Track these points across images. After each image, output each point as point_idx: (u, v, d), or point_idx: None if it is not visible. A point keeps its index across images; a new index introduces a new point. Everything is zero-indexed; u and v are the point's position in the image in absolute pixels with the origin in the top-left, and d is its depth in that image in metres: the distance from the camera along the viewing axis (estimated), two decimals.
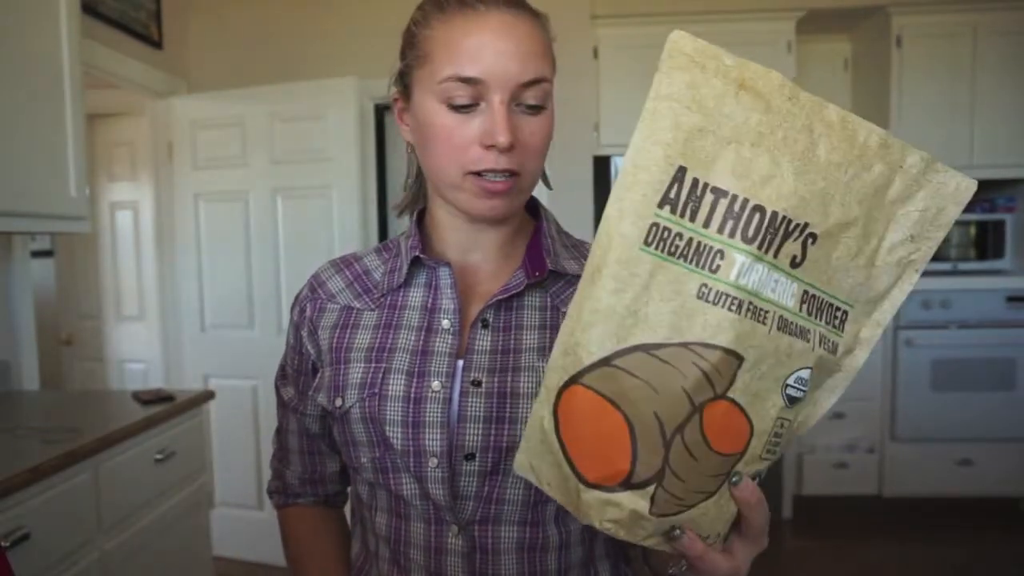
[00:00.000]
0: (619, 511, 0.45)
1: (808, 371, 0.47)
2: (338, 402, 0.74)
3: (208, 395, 2.17)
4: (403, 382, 0.71)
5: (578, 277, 0.74)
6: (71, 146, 1.93)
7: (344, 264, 0.82)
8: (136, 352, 3.36)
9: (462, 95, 0.66)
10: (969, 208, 3.54)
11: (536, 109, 0.68)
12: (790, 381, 0.46)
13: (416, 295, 0.76)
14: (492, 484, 0.69)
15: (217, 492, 3.03)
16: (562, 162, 3.15)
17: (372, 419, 0.71)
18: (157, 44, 2.92)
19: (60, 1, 1.90)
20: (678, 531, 0.48)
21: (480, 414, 0.69)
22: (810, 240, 0.45)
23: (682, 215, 0.44)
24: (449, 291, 0.74)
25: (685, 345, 0.43)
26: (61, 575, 1.48)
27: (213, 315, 3.02)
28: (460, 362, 0.71)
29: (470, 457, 0.69)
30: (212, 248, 3.00)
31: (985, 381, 3.30)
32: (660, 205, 0.44)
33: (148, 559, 1.82)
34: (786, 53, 3.24)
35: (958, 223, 3.41)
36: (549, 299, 0.74)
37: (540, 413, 0.49)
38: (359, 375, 0.73)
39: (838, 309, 0.48)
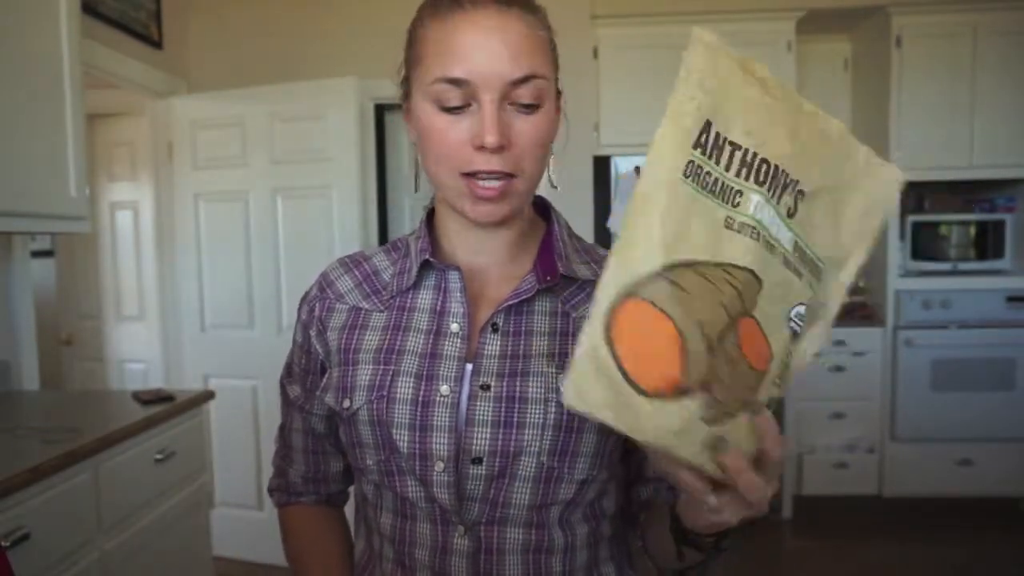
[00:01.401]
0: (674, 419, 0.49)
1: (804, 308, 0.53)
2: (346, 403, 0.74)
3: (208, 395, 2.17)
4: (411, 385, 0.70)
5: (590, 282, 0.73)
6: (71, 146, 1.93)
7: (353, 264, 0.81)
8: (136, 352, 3.36)
9: (452, 97, 0.65)
10: (969, 208, 3.55)
11: (531, 108, 0.66)
12: (792, 315, 0.53)
13: (425, 297, 0.75)
14: (498, 487, 0.69)
15: (217, 492, 3.02)
16: (562, 162, 3.14)
17: (379, 422, 0.71)
18: (157, 44, 2.92)
19: (60, 1, 1.90)
20: (724, 441, 0.50)
21: (488, 418, 0.68)
22: (799, 196, 0.53)
23: (709, 158, 0.52)
24: (458, 295, 0.73)
25: (720, 265, 0.50)
26: (61, 575, 1.48)
27: (213, 315, 3.02)
28: (469, 366, 0.71)
29: (477, 461, 0.68)
30: (212, 248, 3.00)
31: (985, 381, 3.30)
32: (694, 147, 0.52)
33: (148, 559, 1.82)
34: (786, 53, 3.24)
35: (958, 223, 3.41)
36: (560, 304, 0.73)
37: (592, 343, 0.50)
38: (367, 377, 0.73)
39: (816, 265, 0.55)
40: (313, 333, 0.80)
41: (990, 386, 3.30)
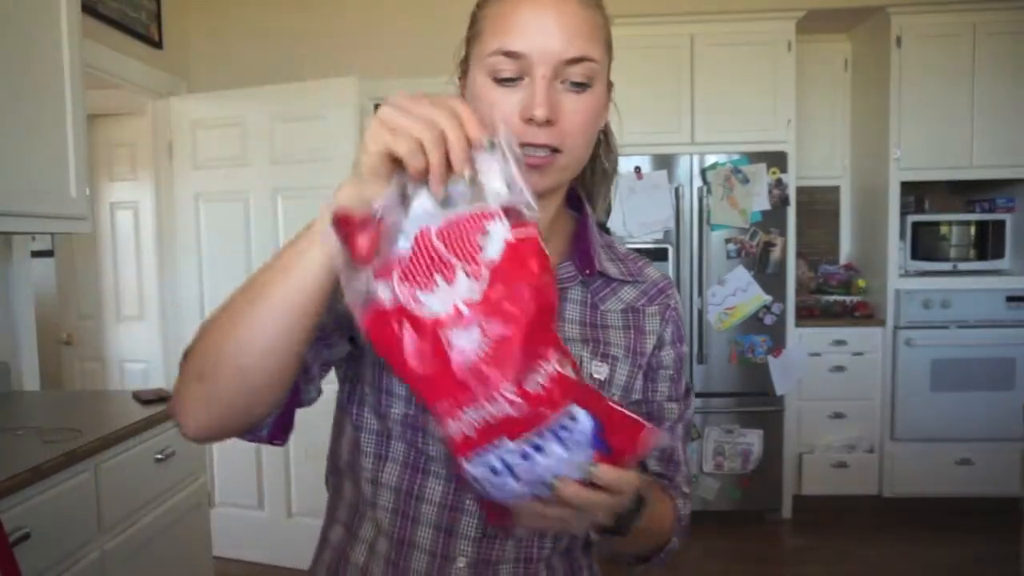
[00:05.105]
0: None
1: None
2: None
3: None
4: None
5: (617, 280, 0.79)
6: (71, 146, 1.93)
7: None
8: (136, 352, 3.35)
9: (506, 69, 0.68)
10: (969, 208, 3.55)
11: (580, 87, 0.69)
12: None
13: None
14: None
15: (217, 492, 3.02)
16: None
17: None
18: (157, 44, 2.92)
19: (60, 1, 1.90)
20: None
21: None
22: None
23: None
24: None
25: None
26: (61, 575, 1.49)
27: None
28: None
29: None
30: (212, 248, 3.00)
31: (985, 381, 3.30)
32: None
33: (148, 559, 1.82)
34: (786, 53, 3.24)
35: (958, 223, 3.41)
36: (590, 296, 0.78)
37: None
38: None
39: None
40: None
41: (990, 386, 3.30)
